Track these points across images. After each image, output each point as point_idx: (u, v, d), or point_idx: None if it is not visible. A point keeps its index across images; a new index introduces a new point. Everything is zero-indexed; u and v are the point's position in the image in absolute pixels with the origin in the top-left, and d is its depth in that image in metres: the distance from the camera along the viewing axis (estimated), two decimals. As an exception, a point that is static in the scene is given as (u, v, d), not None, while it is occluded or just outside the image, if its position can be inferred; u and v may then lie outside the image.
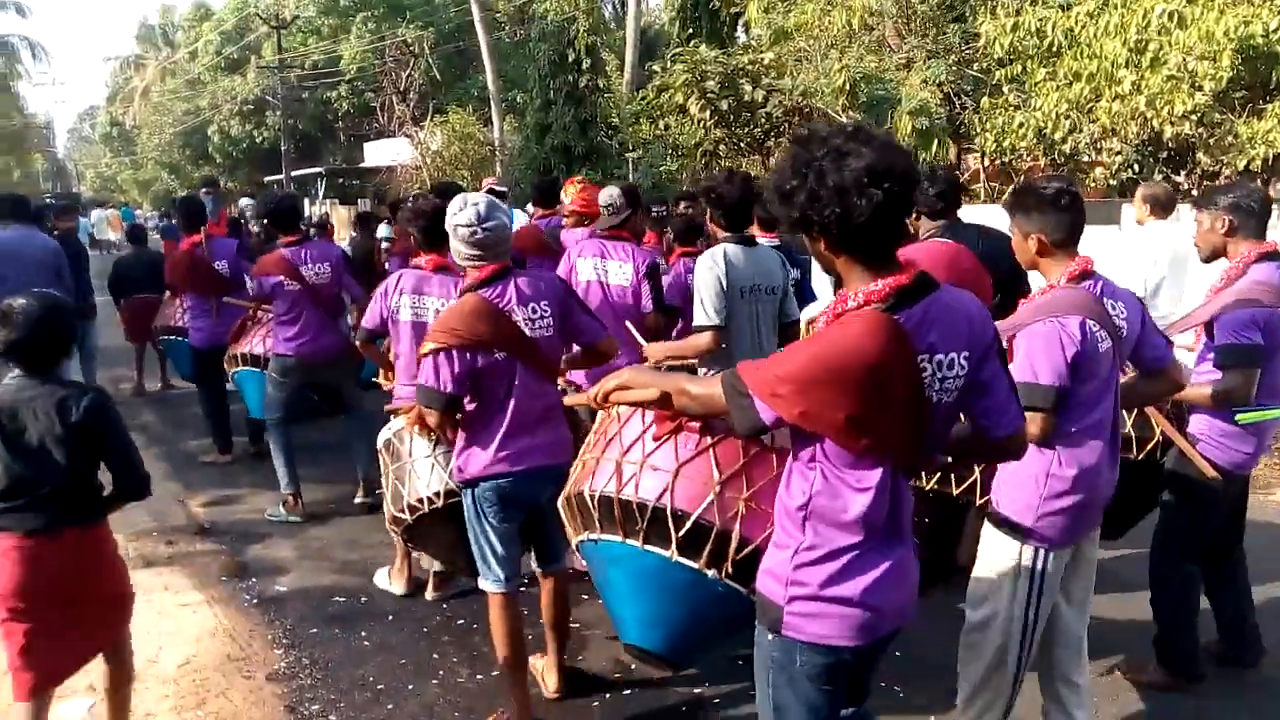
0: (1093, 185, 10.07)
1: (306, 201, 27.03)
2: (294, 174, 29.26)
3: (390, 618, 4.36)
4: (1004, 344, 2.20)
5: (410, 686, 3.75)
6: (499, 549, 3.34)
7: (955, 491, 3.20)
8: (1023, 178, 2.94)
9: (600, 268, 4.76)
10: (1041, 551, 2.76)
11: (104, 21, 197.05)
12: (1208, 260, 3.64)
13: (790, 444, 2.09)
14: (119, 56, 51.33)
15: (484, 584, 3.41)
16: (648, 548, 2.62)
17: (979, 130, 9.93)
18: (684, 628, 2.69)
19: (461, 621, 4.28)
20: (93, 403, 2.83)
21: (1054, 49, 8.89)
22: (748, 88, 12.19)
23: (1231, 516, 3.76)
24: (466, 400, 3.23)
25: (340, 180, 28.41)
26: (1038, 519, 2.74)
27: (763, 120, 12.55)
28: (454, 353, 3.09)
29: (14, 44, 40.57)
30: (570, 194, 6.14)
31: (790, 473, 2.08)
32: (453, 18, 29.95)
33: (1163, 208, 5.75)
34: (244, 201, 12.98)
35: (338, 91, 31.60)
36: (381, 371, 4.87)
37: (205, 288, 6.75)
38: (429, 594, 4.55)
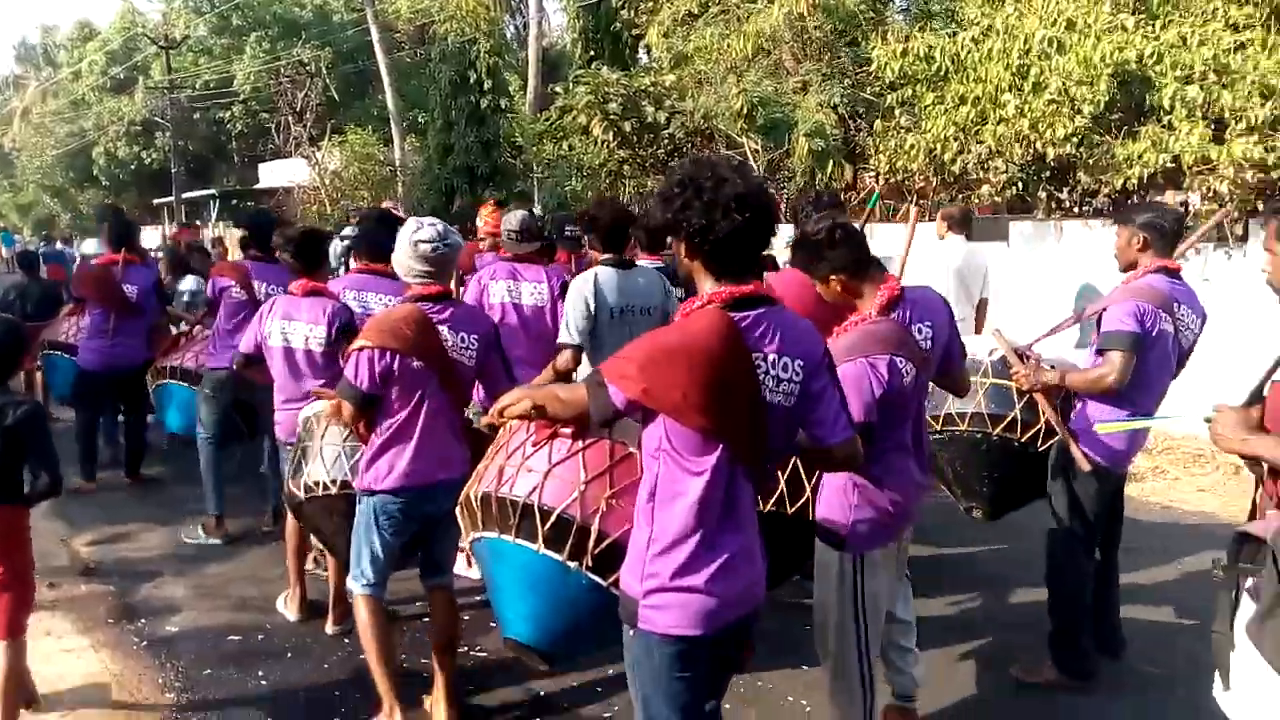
0: (980, 202, 10.44)
1: (199, 223, 26.22)
2: (185, 196, 28.36)
3: (289, 655, 4.22)
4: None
5: (312, 725, 3.63)
6: (378, 555, 3.48)
7: (790, 511, 3.47)
8: (803, 230, 3.13)
9: (514, 290, 4.83)
10: (859, 556, 3.00)
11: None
12: (1125, 270, 3.84)
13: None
14: (-4, 75, 49.05)
15: (352, 584, 3.54)
16: (519, 541, 2.80)
17: (873, 152, 10.21)
18: (554, 620, 2.84)
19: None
20: (26, 413, 3.40)
21: (942, 74, 9.20)
22: (650, 109, 12.32)
23: (1111, 511, 3.93)
24: (382, 407, 3.39)
25: (234, 202, 27.58)
26: (851, 527, 2.98)
27: (665, 141, 12.69)
28: (376, 353, 3.29)
29: (-120, 62, 38.57)
30: (484, 215, 6.32)
31: (645, 468, 2.28)
32: (350, 37, 29.52)
33: (960, 225, 6.46)
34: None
35: (231, 112, 30.81)
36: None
37: (109, 304, 6.64)
38: (329, 627, 4.43)
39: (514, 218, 5.08)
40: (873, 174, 11.47)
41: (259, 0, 32.02)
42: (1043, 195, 9.48)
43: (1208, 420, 2.41)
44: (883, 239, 9.90)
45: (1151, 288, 3.62)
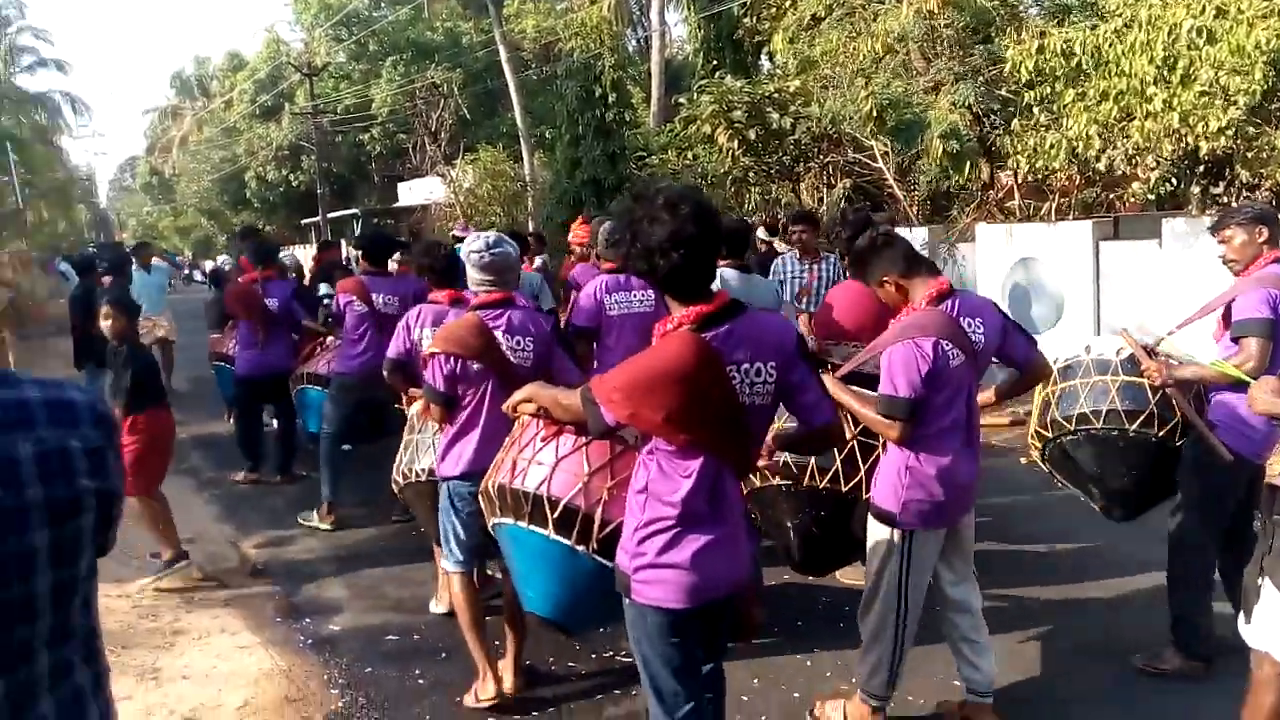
0: (1131, 200, 10.01)
1: (343, 242, 27.44)
2: (330, 216, 29.72)
3: (444, 655, 4.39)
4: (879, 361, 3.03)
5: (467, 724, 3.78)
6: (461, 536, 3.86)
7: (844, 488, 3.81)
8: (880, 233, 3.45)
9: (625, 300, 5.15)
10: (909, 535, 3.26)
11: (141, 74, 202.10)
12: (1241, 272, 3.81)
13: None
14: (157, 108, 52.56)
15: (445, 564, 3.96)
16: (532, 527, 3.07)
17: (1011, 151, 9.91)
18: (567, 596, 3.12)
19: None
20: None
21: (1082, 69, 8.87)
22: (775, 116, 12.26)
23: (1245, 501, 3.85)
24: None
25: (375, 220, 28.80)
26: (902, 507, 3.23)
27: (791, 147, 12.62)
28: (443, 358, 3.69)
29: (55, 100, 41.67)
30: (575, 230, 6.86)
31: (638, 464, 2.56)
32: (480, 58, 30.42)
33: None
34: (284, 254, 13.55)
35: (370, 134, 32.12)
36: (403, 397, 4.96)
37: (255, 319, 7.33)
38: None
39: (609, 227, 5.37)
40: (1010, 172, 11.13)
41: (394, 26, 33.33)
42: (1196, 191, 9.02)
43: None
44: (1021, 239, 9.61)
45: (1273, 274, 3.64)
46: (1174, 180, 9.11)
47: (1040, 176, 10.27)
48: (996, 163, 11.35)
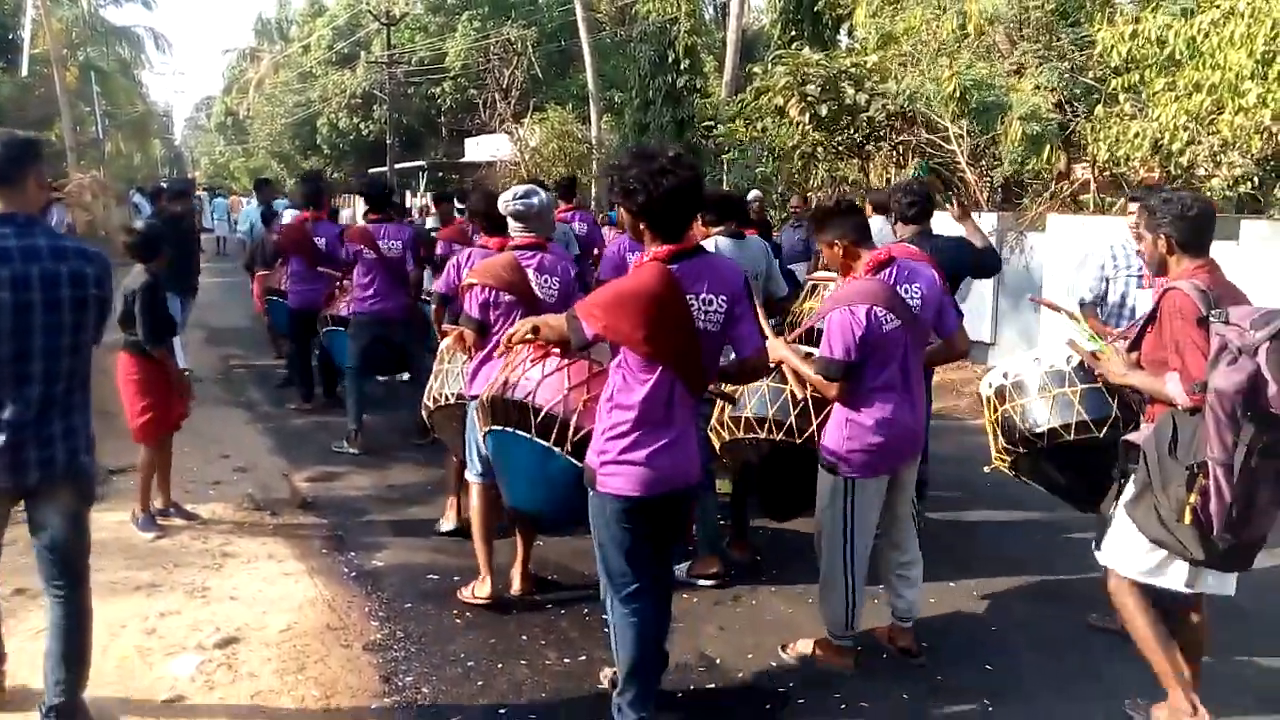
0: (1208, 195, 9.68)
1: (408, 193, 27.70)
2: (398, 167, 29.95)
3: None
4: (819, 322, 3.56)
5: (500, 666, 3.84)
6: (484, 450, 4.10)
7: (798, 441, 4.11)
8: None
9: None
10: (851, 481, 3.60)
11: (223, 15, 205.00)
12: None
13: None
14: (236, 49, 53.26)
15: (468, 474, 4.42)
16: (518, 432, 3.56)
17: (1091, 139, 9.63)
18: (542, 491, 3.63)
19: (550, 607, 4.36)
20: (145, 284, 4.86)
21: (1175, 58, 8.57)
22: (850, 91, 12.03)
23: None
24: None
25: (440, 174, 28.98)
26: (844, 455, 3.58)
27: (863, 124, 12.39)
28: (479, 289, 4.18)
29: (139, 34, 42.27)
30: None
31: (608, 378, 3.04)
32: (555, 17, 30.34)
33: (879, 209, 6.99)
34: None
35: (442, 88, 32.24)
36: (440, 327, 5.22)
37: (305, 255, 7.92)
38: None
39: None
40: (1086, 165, 10.83)
41: (472, -21, 33.30)
42: (1278, 194, 8.70)
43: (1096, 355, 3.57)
44: (1094, 231, 9.35)
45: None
46: (1255, 181, 8.79)
47: (1119, 170, 9.98)
48: (1074, 155, 11.05)
